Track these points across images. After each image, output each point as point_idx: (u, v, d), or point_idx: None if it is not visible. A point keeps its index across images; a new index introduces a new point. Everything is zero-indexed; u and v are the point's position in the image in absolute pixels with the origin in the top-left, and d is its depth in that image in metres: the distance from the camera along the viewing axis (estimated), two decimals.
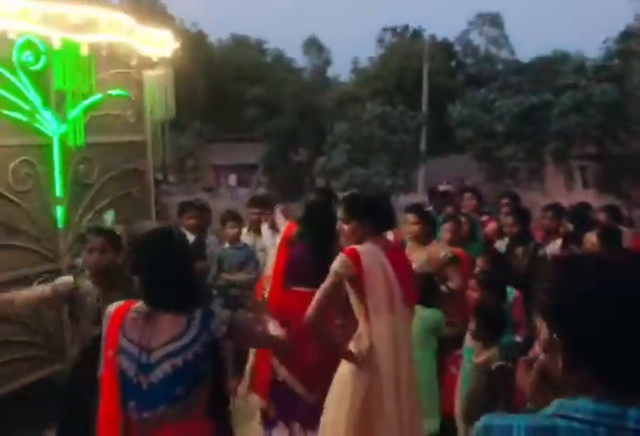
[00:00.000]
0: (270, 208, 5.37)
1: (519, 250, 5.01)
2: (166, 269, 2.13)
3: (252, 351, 3.59)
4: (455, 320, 4.04)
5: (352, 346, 3.03)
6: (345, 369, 3.02)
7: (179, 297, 2.13)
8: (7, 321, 3.72)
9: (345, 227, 3.11)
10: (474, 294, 3.79)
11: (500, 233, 5.67)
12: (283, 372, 3.46)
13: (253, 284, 4.82)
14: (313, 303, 2.89)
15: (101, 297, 3.05)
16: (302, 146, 27.84)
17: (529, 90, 23.30)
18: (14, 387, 3.75)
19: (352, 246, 2.99)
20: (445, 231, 4.92)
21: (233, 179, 28.47)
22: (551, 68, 26.41)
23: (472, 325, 3.41)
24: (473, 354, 3.41)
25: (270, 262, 3.84)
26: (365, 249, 2.98)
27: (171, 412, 2.07)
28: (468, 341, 3.51)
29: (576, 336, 1.10)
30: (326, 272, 3.01)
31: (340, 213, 3.15)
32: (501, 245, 5.35)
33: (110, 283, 3.23)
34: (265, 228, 5.50)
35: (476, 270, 4.18)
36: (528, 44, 38.40)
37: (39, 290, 3.23)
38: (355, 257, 2.91)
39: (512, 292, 3.95)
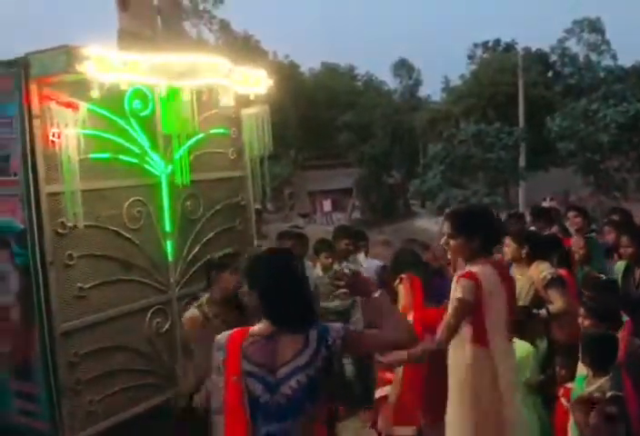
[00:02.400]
0: (361, 238, 5.57)
1: (638, 272, 4.71)
2: (287, 287, 2.22)
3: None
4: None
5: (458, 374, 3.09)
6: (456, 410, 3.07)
7: (298, 315, 2.22)
8: (126, 350, 4.00)
9: (452, 243, 3.09)
10: (585, 322, 3.61)
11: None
12: None
13: (348, 311, 4.93)
14: (443, 329, 3.02)
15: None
16: (395, 169, 27.83)
17: (634, 97, 22.05)
18: (132, 413, 3.99)
19: (469, 270, 3.01)
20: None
21: (328, 204, 28.86)
22: None
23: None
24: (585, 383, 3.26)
25: None
26: (483, 271, 3.00)
27: (297, 425, 2.17)
28: (581, 368, 3.36)
29: None
30: None
31: (446, 227, 3.15)
32: (620, 265, 5.04)
33: (238, 311, 3.53)
34: (362, 257, 5.63)
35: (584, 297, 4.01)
36: (633, 48, 36.45)
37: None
38: (475, 280, 2.95)
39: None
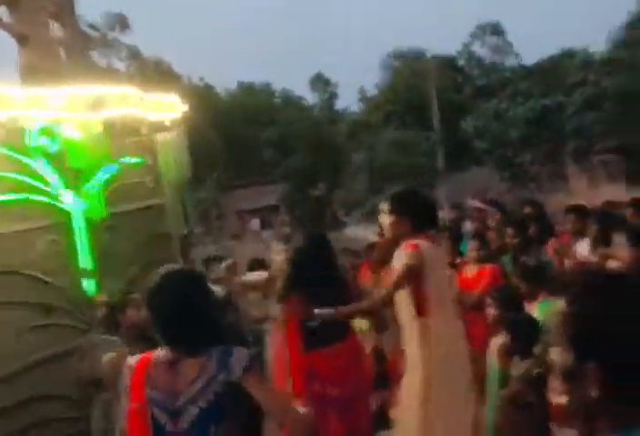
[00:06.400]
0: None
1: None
2: (181, 309, 2.11)
3: None
4: None
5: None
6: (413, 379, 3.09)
7: (195, 337, 2.11)
8: (53, 399, 3.81)
9: (387, 221, 3.29)
10: (490, 311, 3.70)
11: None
12: None
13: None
14: (384, 290, 3.08)
15: None
16: (320, 181, 28.02)
17: (539, 93, 23.23)
18: None
19: (412, 242, 3.11)
20: (471, 249, 4.92)
21: (256, 223, 28.55)
22: (559, 68, 26.34)
23: (498, 341, 3.38)
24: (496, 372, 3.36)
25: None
26: (424, 245, 3.11)
27: None
28: (493, 359, 3.46)
29: (620, 364, 1.05)
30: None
31: (385, 207, 3.35)
32: (506, 258, 5.17)
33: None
34: None
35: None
36: (533, 47, 38.15)
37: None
38: (418, 250, 3.06)
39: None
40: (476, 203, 7.59)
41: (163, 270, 2.24)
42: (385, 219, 3.31)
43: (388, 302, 3.13)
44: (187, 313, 2.11)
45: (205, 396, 2.07)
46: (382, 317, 4.89)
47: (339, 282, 3.66)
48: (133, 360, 2.18)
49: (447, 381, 3.06)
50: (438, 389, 3.04)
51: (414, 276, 3.07)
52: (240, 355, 2.12)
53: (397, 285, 3.07)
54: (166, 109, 4.93)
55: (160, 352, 2.16)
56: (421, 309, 3.10)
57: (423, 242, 3.13)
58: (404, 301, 3.15)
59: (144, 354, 2.19)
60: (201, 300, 2.17)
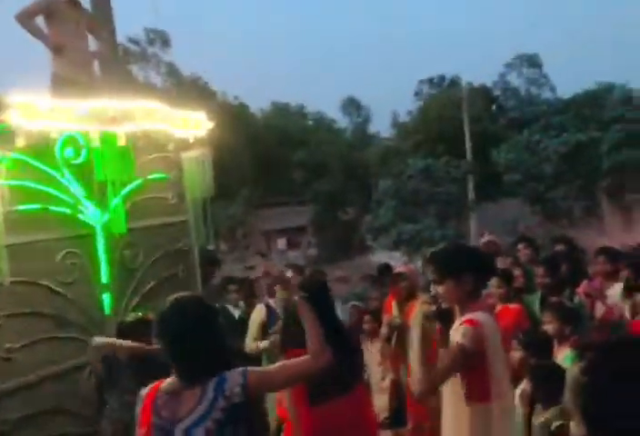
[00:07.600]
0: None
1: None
2: (182, 339, 2.14)
3: None
4: None
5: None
6: None
7: (195, 367, 2.16)
8: (65, 413, 3.74)
9: (440, 289, 2.76)
10: (516, 354, 3.49)
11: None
12: None
13: None
14: (432, 378, 2.64)
15: None
16: (349, 205, 28.02)
17: (574, 127, 22.95)
18: None
19: (473, 317, 2.64)
20: (492, 286, 4.72)
21: (282, 243, 28.67)
22: (595, 103, 26.04)
23: (522, 386, 3.22)
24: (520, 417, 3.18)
25: None
26: (485, 319, 2.65)
27: None
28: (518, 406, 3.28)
29: None
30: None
31: (431, 272, 2.85)
32: (534, 298, 4.97)
33: None
34: None
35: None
36: (570, 80, 37.90)
37: None
38: (480, 329, 2.60)
39: None
40: (487, 236, 7.33)
41: (170, 297, 2.23)
42: (439, 286, 2.76)
43: (435, 388, 2.70)
44: (188, 344, 2.15)
45: (203, 424, 2.12)
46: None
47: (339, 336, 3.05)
48: (145, 389, 2.25)
49: None
50: None
51: (468, 359, 2.59)
52: (234, 378, 2.15)
53: (450, 370, 2.62)
54: (193, 126, 4.92)
55: (168, 381, 2.22)
56: (480, 394, 2.63)
57: (483, 316, 2.67)
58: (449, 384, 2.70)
59: (155, 383, 2.25)
60: (203, 330, 2.18)
